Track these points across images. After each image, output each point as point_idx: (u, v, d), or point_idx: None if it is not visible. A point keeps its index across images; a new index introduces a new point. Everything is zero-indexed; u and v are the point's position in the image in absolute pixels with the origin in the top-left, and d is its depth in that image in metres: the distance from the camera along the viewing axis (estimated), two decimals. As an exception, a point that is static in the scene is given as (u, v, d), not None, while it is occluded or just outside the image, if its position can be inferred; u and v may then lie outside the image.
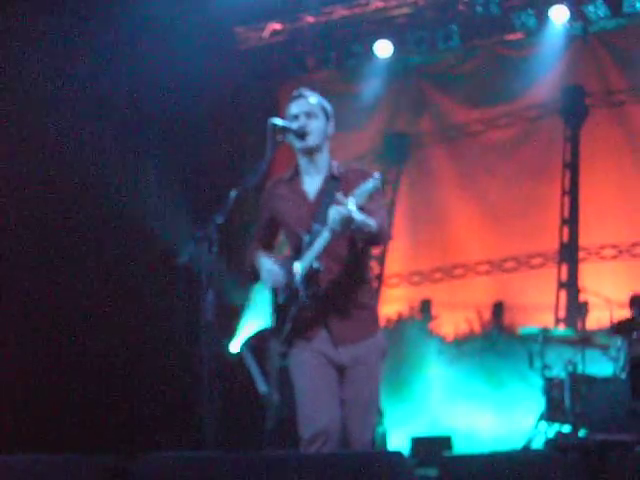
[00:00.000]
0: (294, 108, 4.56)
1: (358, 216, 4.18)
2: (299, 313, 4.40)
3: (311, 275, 4.36)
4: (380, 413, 9.09)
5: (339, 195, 4.21)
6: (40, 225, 8.55)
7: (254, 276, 4.61)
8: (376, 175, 4.39)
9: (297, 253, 4.45)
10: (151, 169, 9.57)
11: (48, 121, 8.62)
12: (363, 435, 4.43)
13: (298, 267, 4.39)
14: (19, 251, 8.37)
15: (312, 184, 4.59)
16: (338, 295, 4.45)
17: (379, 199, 4.55)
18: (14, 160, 8.39)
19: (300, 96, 4.63)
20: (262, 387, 7.77)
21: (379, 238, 4.46)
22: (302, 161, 4.60)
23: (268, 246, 4.73)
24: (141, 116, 9.45)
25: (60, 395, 8.34)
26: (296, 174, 4.64)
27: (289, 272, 4.42)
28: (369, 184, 4.31)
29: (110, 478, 3.40)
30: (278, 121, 4.39)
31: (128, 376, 8.58)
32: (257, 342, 8.10)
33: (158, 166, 9.65)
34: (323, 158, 4.59)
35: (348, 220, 4.14)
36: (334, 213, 4.16)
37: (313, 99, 4.64)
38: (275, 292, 4.52)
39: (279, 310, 4.50)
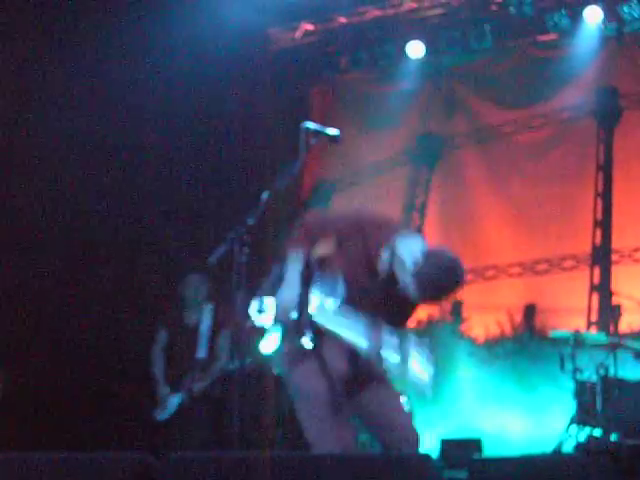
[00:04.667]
0: None
1: None
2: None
3: None
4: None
5: None
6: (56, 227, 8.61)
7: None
8: None
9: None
10: (183, 171, 9.62)
11: (77, 124, 8.65)
12: (404, 418, 4.45)
13: None
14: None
15: None
16: None
17: None
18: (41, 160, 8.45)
19: None
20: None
21: None
22: None
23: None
24: (173, 117, 9.49)
25: (84, 394, 8.40)
26: None
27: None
28: None
29: (136, 477, 3.43)
30: (310, 124, 4.38)
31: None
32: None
33: (190, 168, 9.69)
34: None
35: None
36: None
37: None
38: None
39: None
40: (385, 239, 4.23)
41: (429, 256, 4.08)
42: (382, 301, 4.23)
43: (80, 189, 8.75)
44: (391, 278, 4.19)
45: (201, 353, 7.55)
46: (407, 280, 4.04)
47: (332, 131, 4.42)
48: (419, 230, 11.82)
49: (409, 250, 4.13)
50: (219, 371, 7.60)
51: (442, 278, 4.05)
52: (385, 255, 4.21)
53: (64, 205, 8.70)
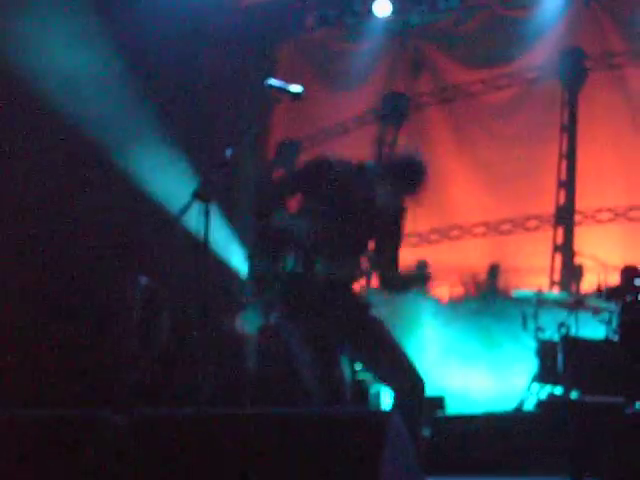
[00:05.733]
0: None
1: None
2: None
3: None
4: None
5: None
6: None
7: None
8: None
9: None
10: (149, 124, 9.52)
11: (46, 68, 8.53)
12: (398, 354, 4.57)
13: None
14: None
15: None
16: None
17: None
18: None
19: None
20: None
21: None
22: None
23: None
24: (140, 71, 9.38)
25: (55, 352, 8.35)
26: None
27: None
28: None
29: (106, 433, 3.43)
30: (274, 81, 4.35)
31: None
32: None
33: (155, 122, 9.59)
34: None
35: None
36: None
37: None
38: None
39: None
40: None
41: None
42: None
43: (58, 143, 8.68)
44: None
45: (131, 343, 7.17)
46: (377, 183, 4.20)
47: (295, 88, 4.38)
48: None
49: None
50: (155, 360, 7.24)
51: (407, 167, 4.29)
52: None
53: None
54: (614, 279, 8.79)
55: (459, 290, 11.23)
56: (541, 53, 11.21)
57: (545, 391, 8.58)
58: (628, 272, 8.66)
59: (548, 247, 11.05)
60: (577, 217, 11.03)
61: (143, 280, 7.16)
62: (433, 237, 11.74)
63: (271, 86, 4.30)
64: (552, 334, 8.65)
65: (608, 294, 8.56)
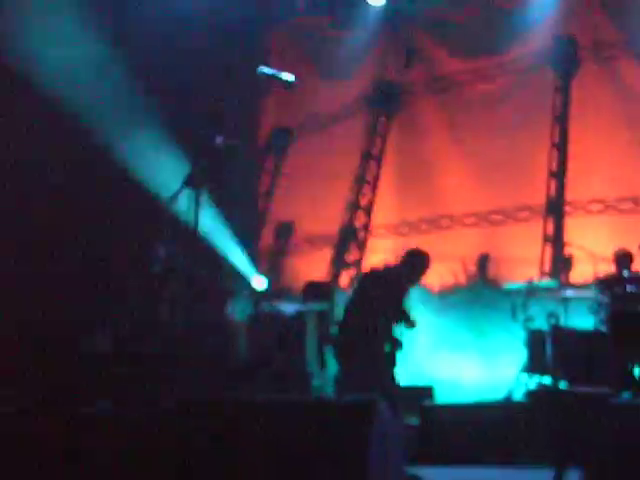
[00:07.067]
0: None
1: None
2: None
3: None
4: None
5: None
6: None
7: None
8: None
9: None
10: (137, 111, 9.49)
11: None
12: None
13: None
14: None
15: None
16: None
17: None
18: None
19: None
20: None
21: None
22: None
23: None
24: (127, 57, 9.35)
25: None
26: None
27: None
28: None
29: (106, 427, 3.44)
30: (266, 69, 4.35)
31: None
32: None
33: (144, 109, 9.56)
34: None
35: None
36: None
37: None
38: None
39: None
40: None
41: None
42: None
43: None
44: None
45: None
46: None
47: (287, 76, 4.38)
48: (376, 179, 11.84)
49: None
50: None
51: None
52: None
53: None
54: (603, 269, 8.77)
55: (449, 280, 11.24)
56: (533, 43, 11.19)
57: (534, 381, 8.60)
58: (622, 259, 8.59)
59: (538, 238, 11.05)
60: (567, 208, 11.02)
61: (163, 249, 7.10)
62: (423, 227, 11.75)
63: (263, 73, 4.30)
64: (541, 324, 8.67)
65: (599, 285, 8.54)
